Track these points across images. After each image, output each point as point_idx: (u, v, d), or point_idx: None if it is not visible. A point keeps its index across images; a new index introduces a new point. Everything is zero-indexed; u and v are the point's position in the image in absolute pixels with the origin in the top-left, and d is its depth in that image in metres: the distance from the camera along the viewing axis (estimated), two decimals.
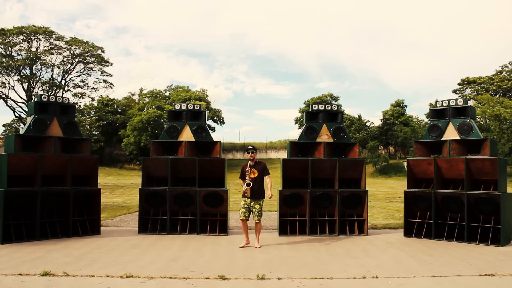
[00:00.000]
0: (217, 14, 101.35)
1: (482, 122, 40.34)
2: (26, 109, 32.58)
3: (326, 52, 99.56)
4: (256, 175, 6.89)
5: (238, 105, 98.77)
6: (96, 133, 47.52)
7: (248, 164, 7.03)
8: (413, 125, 50.44)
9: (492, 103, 39.19)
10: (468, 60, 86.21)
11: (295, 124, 54.97)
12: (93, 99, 40.43)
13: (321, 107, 8.53)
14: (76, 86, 37.64)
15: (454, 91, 49.65)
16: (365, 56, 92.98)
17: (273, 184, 7.03)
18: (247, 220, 6.90)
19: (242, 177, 7.02)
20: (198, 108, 8.71)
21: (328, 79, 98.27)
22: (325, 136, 8.39)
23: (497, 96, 45.42)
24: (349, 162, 8.19)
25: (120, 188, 24.43)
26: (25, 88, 34.48)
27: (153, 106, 48.71)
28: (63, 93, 36.27)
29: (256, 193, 6.86)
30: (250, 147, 7.11)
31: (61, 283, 4.60)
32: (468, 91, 49.21)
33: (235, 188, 25.20)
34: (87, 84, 38.18)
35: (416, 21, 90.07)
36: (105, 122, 49.57)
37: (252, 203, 6.85)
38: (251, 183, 6.79)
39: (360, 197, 8.13)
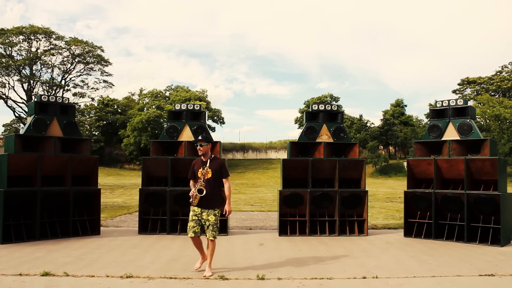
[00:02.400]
0: (217, 15, 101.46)
1: (482, 122, 40.37)
2: (26, 109, 32.60)
3: (326, 53, 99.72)
4: (210, 175, 5.12)
5: (238, 105, 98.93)
6: (96, 133, 47.53)
7: (201, 159, 5.24)
8: (412, 124, 50.48)
9: (492, 103, 39.21)
10: (468, 60, 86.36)
11: (295, 124, 55.05)
12: (93, 99, 40.52)
13: (321, 107, 8.53)
14: (76, 86, 37.70)
15: (454, 91, 49.70)
16: (365, 56, 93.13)
17: (232, 191, 5.32)
18: (198, 236, 5.16)
19: (192, 177, 5.26)
20: (198, 108, 8.71)
21: (328, 79, 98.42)
22: (325, 136, 8.39)
23: (497, 96, 45.44)
24: (349, 162, 8.19)
25: (120, 188, 24.44)
26: (25, 88, 34.52)
27: (153, 106, 48.73)
28: (63, 93, 36.30)
29: (210, 200, 5.06)
30: (200, 137, 5.19)
31: (61, 283, 4.60)
32: (468, 91, 49.26)
33: (235, 189, 25.20)
34: (87, 84, 38.24)
35: (416, 21, 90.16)
36: (105, 122, 49.59)
37: (203, 214, 5.06)
38: (204, 190, 5.03)
39: (360, 197, 8.13)
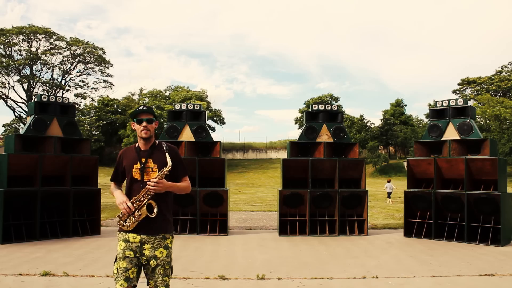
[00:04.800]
0: (218, 15, 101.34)
1: (482, 122, 40.38)
2: (26, 109, 32.63)
3: (326, 53, 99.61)
4: (155, 175, 2.78)
5: (238, 105, 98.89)
6: (96, 133, 47.52)
7: (135, 148, 2.90)
8: (412, 124, 50.49)
9: (492, 103, 39.21)
10: (468, 60, 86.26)
11: (295, 124, 55.02)
12: (93, 99, 40.53)
13: (321, 107, 8.53)
14: (76, 86, 37.74)
15: (454, 91, 49.67)
16: (365, 56, 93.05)
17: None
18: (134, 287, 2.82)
19: (115, 179, 2.99)
20: (198, 108, 8.71)
21: (328, 79, 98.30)
22: (325, 136, 8.39)
23: (497, 96, 45.44)
24: (349, 162, 8.19)
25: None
26: (25, 88, 34.54)
27: (153, 106, 48.70)
28: (63, 93, 36.33)
29: (155, 220, 2.78)
30: (143, 107, 2.87)
31: (61, 283, 4.60)
32: (468, 91, 49.23)
33: (235, 188, 25.21)
34: (87, 84, 38.28)
35: (416, 21, 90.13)
36: (105, 122, 49.57)
37: (145, 247, 2.84)
38: (155, 207, 2.76)
39: (360, 197, 8.13)
